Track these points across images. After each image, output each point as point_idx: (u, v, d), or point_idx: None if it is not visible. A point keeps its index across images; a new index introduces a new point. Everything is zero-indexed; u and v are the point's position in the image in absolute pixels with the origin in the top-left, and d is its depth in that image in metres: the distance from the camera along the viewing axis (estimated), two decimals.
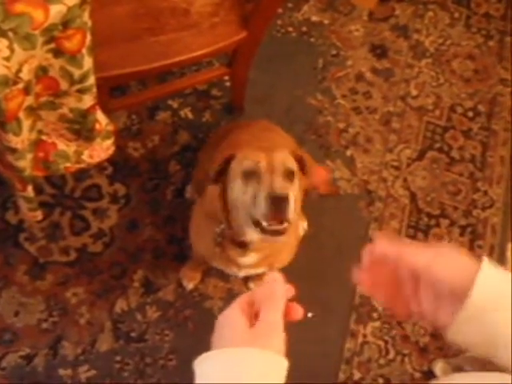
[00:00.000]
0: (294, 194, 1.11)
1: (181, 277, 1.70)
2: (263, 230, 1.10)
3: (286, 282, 0.65)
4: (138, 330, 1.65)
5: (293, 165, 1.15)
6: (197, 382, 0.58)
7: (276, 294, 0.62)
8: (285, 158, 1.13)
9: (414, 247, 0.64)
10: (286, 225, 1.08)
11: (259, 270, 1.36)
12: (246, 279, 1.70)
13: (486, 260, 0.60)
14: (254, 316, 0.63)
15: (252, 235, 1.19)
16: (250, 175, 1.11)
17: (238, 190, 1.14)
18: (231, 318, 0.61)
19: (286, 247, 1.37)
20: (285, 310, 0.62)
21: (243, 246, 1.25)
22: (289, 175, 1.13)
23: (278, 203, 1.05)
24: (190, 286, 1.70)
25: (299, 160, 1.18)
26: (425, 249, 0.63)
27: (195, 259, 1.62)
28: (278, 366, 0.57)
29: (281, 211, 1.06)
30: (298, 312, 0.63)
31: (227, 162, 1.16)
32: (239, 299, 0.64)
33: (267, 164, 1.11)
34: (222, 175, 1.17)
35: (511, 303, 0.57)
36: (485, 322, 0.58)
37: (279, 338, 0.59)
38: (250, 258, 1.28)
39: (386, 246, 0.65)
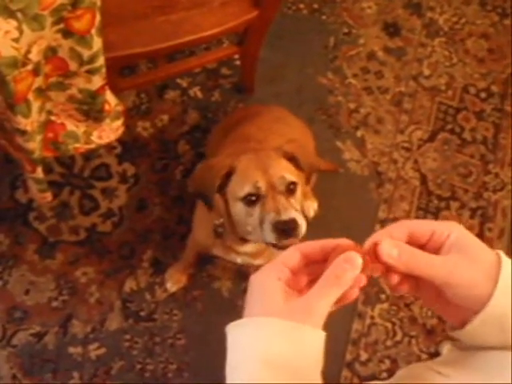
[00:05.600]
0: (298, 204, 1.12)
1: (166, 278, 1.67)
2: (274, 246, 1.12)
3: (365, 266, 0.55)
4: (146, 310, 1.66)
5: (291, 174, 1.13)
6: (228, 350, 0.54)
7: (343, 282, 0.54)
8: (282, 172, 1.12)
9: (425, 256, 0.56)
10: (297, 239, 1.08)
11: (257, 262, 1.34)
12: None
13: (505, 260, 0.55)
14: (297, 287, 0.57)
15: (255, 238, 1.19)
16: (252, 200, 1.11)
17: (241, 214, 1.13)
18: (264, 284, 0.55)
19: None
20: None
21: (243, 239, 1.25)
22: (290, 188, 1.12)
23: (286, 228, 1.06)
24: (173, 288, 1.66)
25: (292, 158, 1.16)
26: (439, 259, 0.56)
27: (187, 257, 1.62)
28: (315, 340, 0.53)
29: (291, 234, 1.06)
30: (352, 297, 0.56)
31: (228, 175, 1.14)
32: (281, 260, 0.56)
33: (267, 184, 1.10)
34: (223, 189, 1.16)
35: None
36: (503, 326, 0.55)
37: (316, 322, 0.53)
38: (249, 247, 1.28)
39: (394, 258, 0.56)
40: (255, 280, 0.56)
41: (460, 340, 0.59)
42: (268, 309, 0.53)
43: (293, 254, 0.57)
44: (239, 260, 1.34)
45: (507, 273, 0.54)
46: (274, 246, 1.12)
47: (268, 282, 0.55)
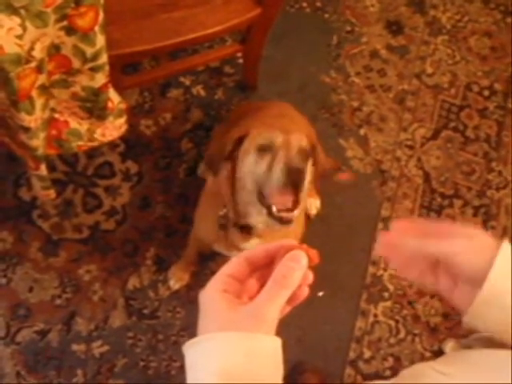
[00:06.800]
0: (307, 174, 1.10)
1: (169, 276, 1.68)
2: (271, 214, 1.10)
3: (309, 262, 0.56)
4: (150, 307, 1.66)
5: (307, 146, 1.13)
6: (187, 370, 0.54)
7: (291, 282, 0.54)
8: (300, 139, 1.12)
9: (433, 240, 0.60)
10: (294, 213, 1.07)
11: None
12: None
13: (505, 243, 0.57)
14: (245, 291, 0.56)
15: (257, 218, 1.18)
16: (265, 150, 1.10)
17: (251, 164, 1.12)
18: (210, 299, 0.55)
19: (291, 235, 1.34)
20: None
21: (247, 231, 1.24)
22: (303, 155, 1.11)
23: (293, 175, 1.04)
24: (176, 286, 1.67)
25: (312, 148, 1.16)
26: (445, 240, 0.60)
27: (188, 254, 1.62)
28: (270, 347, 0.53)
29: (295, 185, 1.04)
30: (303, 294, 0.57)
31: (241, 140, 1.14)
32: (225, 272, 0.56)
33: (283, 140, 1.10)
34: (233, 154, 1.16)
35: None
36: (503, 305, 0.56)
37: (268, 328, 0.53)
38: (252, 244, 1.27)
39: (403, 239, 0.62)
40: (202, 296, 0.55)
41: (467, 325, 0.60)
42: (218, 323, 0.53)
43: (237, 263, 0.57)
44: None
45: (506, 247, 0.57)
46: (270, 214, 1.10)
47: (213, 295, 0.55)
